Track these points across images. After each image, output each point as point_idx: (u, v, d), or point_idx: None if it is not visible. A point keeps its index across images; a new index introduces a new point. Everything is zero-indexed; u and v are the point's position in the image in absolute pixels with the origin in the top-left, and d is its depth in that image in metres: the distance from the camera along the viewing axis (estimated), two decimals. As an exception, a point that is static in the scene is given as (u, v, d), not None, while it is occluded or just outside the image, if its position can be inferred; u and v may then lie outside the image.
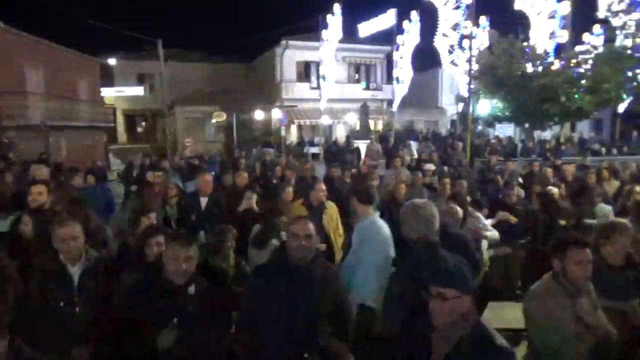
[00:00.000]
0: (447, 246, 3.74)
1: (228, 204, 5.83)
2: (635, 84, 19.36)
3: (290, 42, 27.84)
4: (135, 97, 30.78)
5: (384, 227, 3.94)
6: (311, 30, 26.73)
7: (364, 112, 21.32)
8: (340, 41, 26.13)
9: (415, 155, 14.75)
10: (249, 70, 33.43)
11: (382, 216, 6.73)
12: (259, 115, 24.25)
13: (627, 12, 20.03)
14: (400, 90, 26.93)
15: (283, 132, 24.89)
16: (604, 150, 18.74)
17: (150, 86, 31.51)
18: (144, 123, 34.13)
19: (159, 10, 63.68)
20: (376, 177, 8.57)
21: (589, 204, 5.92)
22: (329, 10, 25.28)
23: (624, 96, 20.67)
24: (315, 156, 22.54)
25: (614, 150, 18.95)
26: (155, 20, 61.19)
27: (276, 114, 24.59)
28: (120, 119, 32.73)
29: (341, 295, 3.17)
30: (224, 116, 23.59)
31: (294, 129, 28.84)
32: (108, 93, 29.67)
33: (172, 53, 29.30)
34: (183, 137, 25.17)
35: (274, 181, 8.39)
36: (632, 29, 19.66)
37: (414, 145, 18.03)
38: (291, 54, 28.33)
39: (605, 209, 5.74)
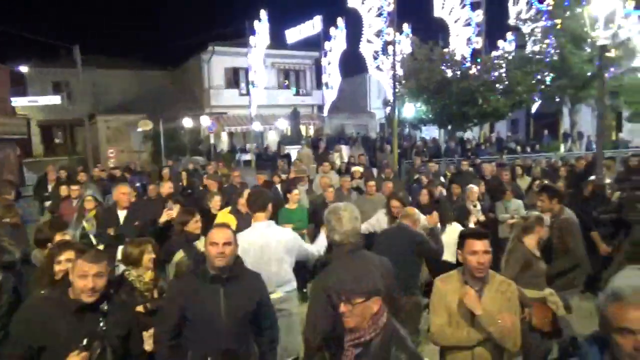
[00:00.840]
0: (402, 243, 4.23)
1: (153, 215, 5.61)
2: (543, 86, 20.90)
3: (217, 48, 27.40)
4: (52, 107, 28.77)
5: (264, 236, 3.84)
6: (239, 36, 26.47)
7: (295, 117, 21.45)
8: (269, 47, 26.08)
9: (346, 159, 14.99)
10: (175, 77, 32.47)
11: (312, 220, 6.81)
12: (187, 123, 23.57)
13: (534, 20, 21.65)
14: (329, 95, 27.38)
15: (212, 140, 24.43)
16: (519, 148, 20.05)
17: (68, 95, 29.62)
18: (60, 133, 32.09)
19: (77, 15, 60.42)
20: (305, 181, 8.63)
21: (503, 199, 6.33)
22: (256, 16, 25.18)
23: (535, 98, 22.26)
24: (247, 163, 22.34)
25: (528, 149, 20.32)
26: (72, 25, 57.94)
27: (205, 121, 24.04)
28: (35, 130, 30.54)
29: (265, 301, 3.15)
30: (150, 124, 22.67)
31: (224, 136, 28.37)
32: (20, 103, 27.57)
33: (92, 59, 27.79)
34: (106, 148, 23.99)
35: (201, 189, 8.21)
36: (539, 36, 21.27)
37: (344, 149, 18.32)
38: (219, 60, 27.89)
39: (516, 203, 6.15)
